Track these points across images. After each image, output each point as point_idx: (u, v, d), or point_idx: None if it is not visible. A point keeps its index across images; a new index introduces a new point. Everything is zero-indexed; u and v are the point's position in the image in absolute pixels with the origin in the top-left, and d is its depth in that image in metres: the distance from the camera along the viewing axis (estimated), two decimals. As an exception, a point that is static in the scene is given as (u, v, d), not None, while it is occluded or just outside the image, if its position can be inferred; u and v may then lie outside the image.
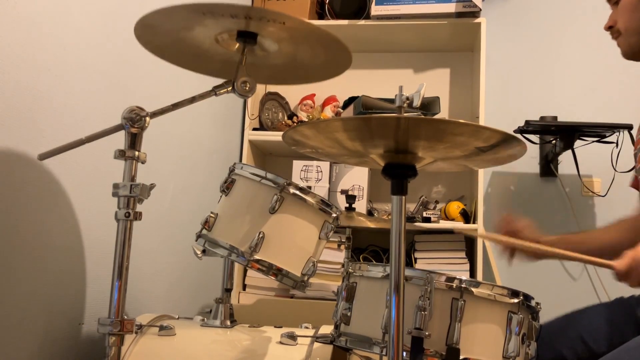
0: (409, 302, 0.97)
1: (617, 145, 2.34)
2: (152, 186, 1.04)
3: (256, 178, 1.25)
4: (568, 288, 2.53)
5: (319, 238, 1.28)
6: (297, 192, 1.24)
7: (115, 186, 1.02)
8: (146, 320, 1.34)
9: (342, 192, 2.30)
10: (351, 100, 2.48)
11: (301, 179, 2.35)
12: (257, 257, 1.20)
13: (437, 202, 2.46)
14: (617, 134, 2.32)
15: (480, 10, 2.36)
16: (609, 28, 1.44)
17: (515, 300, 1.05)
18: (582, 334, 1.37)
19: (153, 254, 1.75)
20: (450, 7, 2.37)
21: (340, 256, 2.22)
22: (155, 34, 1.09)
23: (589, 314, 1.43)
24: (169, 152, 1.84)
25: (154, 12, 0.99)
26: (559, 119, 2.48)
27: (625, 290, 1.48)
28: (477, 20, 2.39)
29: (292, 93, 2.64)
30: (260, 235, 1.20)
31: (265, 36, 1.09)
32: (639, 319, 1.37)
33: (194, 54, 1.18)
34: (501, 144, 0.92)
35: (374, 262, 1.66)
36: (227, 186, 1.29)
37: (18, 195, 1.16)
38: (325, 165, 2.35)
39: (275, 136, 2.46)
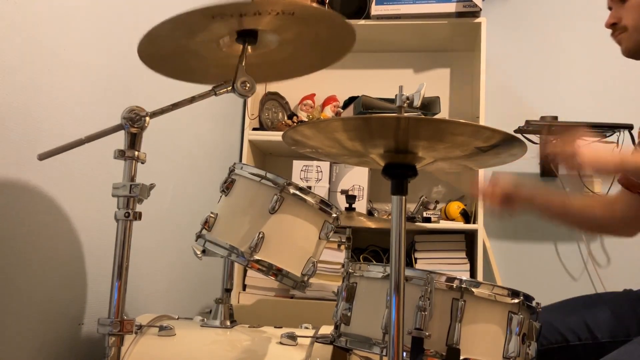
0: (409, 303, 0.97)
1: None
2: (152, 186, 1.04)
3: (256, 178, 1.25)
4: (568, 288, 2.53)
5: (319, 238, 1.28)
6: (297, 192, 1.24)
7: (115, 186, 1.02)
8: (146, 321, 1.34)
9: (342, 192, 2.30)
10: (351, 100, 2.48)
11: (301, 179, 2.34)
12: (257, 257, 1.20)
13: (437, 202, 2.46)
14: (617, 133, 2.32)
15: (481, 10, 2.36)
16: (612, 25, 1.42)
17: (516, 301, 1.05)
18: (586, 320, 1.38)
19: (153, 254, 1.75)
20: (451, 7, 2.37)
21: (340, 256, 2.22)
22: (155, 47, 1.07)
23: (596, 301, 1.44)
24: (169, 152, 1.84)
25: (162, 23, 0.97)
26: (559, 119, 2.48)
27: (621, 287, 1.48)
28: (477, 20, 2.39)
29: (292, 93, 2.64)
30: (260, 236, 1.20)
31: (265, 31, 1.08)
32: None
33: (193, 64, 1.16)
34: (501, 144, 0.92)
35: (374, 262, 1.66)
36: (227, 186, 1.29)
37: (18, 195, 1.16)
38: (325, 165, 2.35)
39: (275, 136, 2.46)
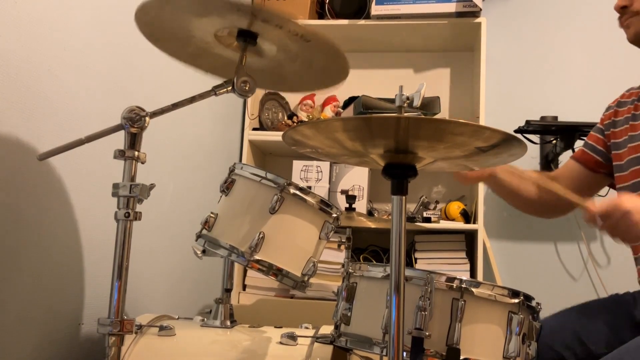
0: (409, 302, 0.97)
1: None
2: (152, 186, 1.04)
3: (256, 178, 1.25)
4: (568, 288, 2.53)
5: (319, 238, 1.28)
6: (297, 192, 1.24)
7: (115, 186, 1.02)
8: (146, 321, 1.34)
9: (342, 192, 2.29)
10: (351, 100, 2.48)
11: (301, 179, 2.34)
12: (257, 257, 1.20)
13: (437, 202, 2.46)
14: (617, 134, 2.31)
15: (481, 10, 2.36)
16: (623, 8, 1.41)
17: (516, 301, 1.05)
18: (579, 334, 1.37)
19: (153, 254, 1.75)
20: (451, 7, 2.37)
21: (340, 256, 2.22)
22: (155, 19, 1.07)
23: (586, 313, 1.43)
24: (169, 152, 1.84)
25: None
26: (559, 119, 2.47)
27: (621, 288, 1.48)
28: (477, 20, 2.39)
29: (292, 93, 2.64)
30: (261, 236, 1.20)
31: (265, 38, 1.09)
32: (636, 318, 1.37)
33: (179, 34, 1.15)
34: (501, 144, 0.91)
35: (374, 262, 1.66)
36: (227, 186, 1.29)
37: (18, 195, 1.16)
38: (325, 165, 2.35)
39: (275, 136, 2.45)
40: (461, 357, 0.99)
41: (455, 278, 1.03)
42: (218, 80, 1.12)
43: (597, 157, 1.57)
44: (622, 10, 1.41)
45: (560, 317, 1.45)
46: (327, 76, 1.20)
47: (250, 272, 2.36)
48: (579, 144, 2.40)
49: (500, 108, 2.59)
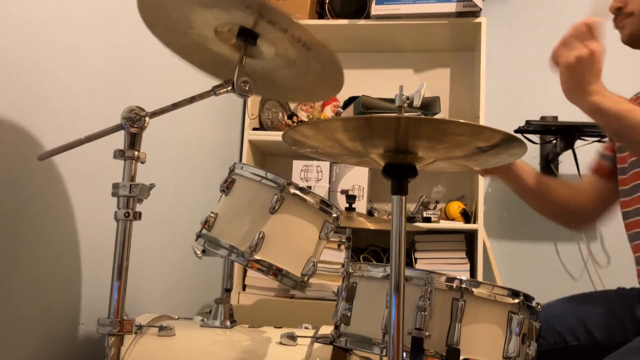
0: (409, 303, 0.97)
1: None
2: (151, 186, 1.04)
3: (256, 178, 1.25)
4: (568, 288, 2.52)
5: (319, 238, 1.28)
6: (297, 192, 1.24)
7: (115, 186, 1.01)
8: (146, 321, 1.34)
9: (342, 192, 2.30)
10: (351, 100, 2.48)
11: (301, 179, 2.34)
12: (257, 257, 1.20)
13: (437, 202, 2.46)
14: (618, 133, 2.31)
15: (481, 10, 2.36)
16: (617, 10, 1.41)
17: (516, 301, 1.05)
18: (584, 320, 1.38)
19: (153, 254, 1.75)
20: (451, 7, 2.37)
21: (340, 256, 2.22)
22: (157, 3, 1.06)
23: (592, 301, 1.44)
24: (169, 152, 1.84)
25: None
26: (559, 119, 2.47)
27: (631, 285, 1.48)
28: (477, 20, 2.39)
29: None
30: (260, 235, 1.20)
31: (265, 40, 1.08)
32: (638, 316, 1.37)
33: (175, 26, 1.13)
34: (502, 144, 0.91)
35: (374, 262, 1.66)
36: (227, 186, 1.29)
37: (18, 195, 1.15)
38: (325, 165, 2.35)
39: (275, 136, 2.46)
40: (461, 357, 0.99)
41: (455, 278, 1.03)
42: (212, 78, 1.11)
43: (607, 163, 1.57)
44: (617, 11, 1.42)
45: (567, 302, 1.46)
46: (319, 88, 1.20)
47: (250, 272, 2.37)
48: (579, 143, 2.41)
49: (500, 108, 2.59)
